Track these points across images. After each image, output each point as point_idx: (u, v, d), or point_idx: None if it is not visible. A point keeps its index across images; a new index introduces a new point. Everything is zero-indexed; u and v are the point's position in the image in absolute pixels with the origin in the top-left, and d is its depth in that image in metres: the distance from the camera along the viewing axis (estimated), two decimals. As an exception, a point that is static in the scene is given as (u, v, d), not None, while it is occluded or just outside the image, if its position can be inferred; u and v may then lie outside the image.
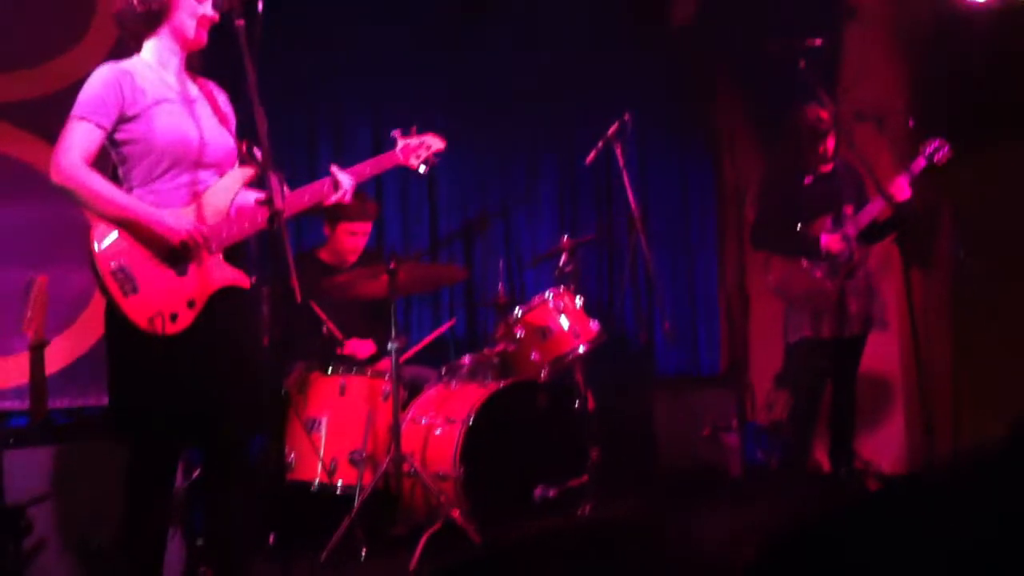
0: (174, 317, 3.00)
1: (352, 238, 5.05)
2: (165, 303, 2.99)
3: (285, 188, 3.21)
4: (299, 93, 5.61)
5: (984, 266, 4.38)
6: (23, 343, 4.01)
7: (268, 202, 2.98)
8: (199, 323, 3.05)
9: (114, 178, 3.13)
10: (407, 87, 5.94)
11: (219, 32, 3.23)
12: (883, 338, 5.35)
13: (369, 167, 3.57)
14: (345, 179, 3.38)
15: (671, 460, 5.68)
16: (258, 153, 3.15)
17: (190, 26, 3.14)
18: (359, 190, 5.23)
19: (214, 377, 3.08)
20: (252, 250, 5.19)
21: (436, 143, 3.79)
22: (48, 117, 4.68)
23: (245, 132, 3.57)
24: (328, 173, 3.40)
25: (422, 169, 3.74)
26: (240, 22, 3.02)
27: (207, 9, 3.15)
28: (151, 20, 3.14)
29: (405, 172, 5.67)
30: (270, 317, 4.20)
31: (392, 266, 4.40)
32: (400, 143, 3.72)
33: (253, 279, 3.25)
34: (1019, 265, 5.57)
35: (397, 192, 5.88)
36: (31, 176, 4.75)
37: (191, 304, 3.04)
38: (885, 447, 5.94)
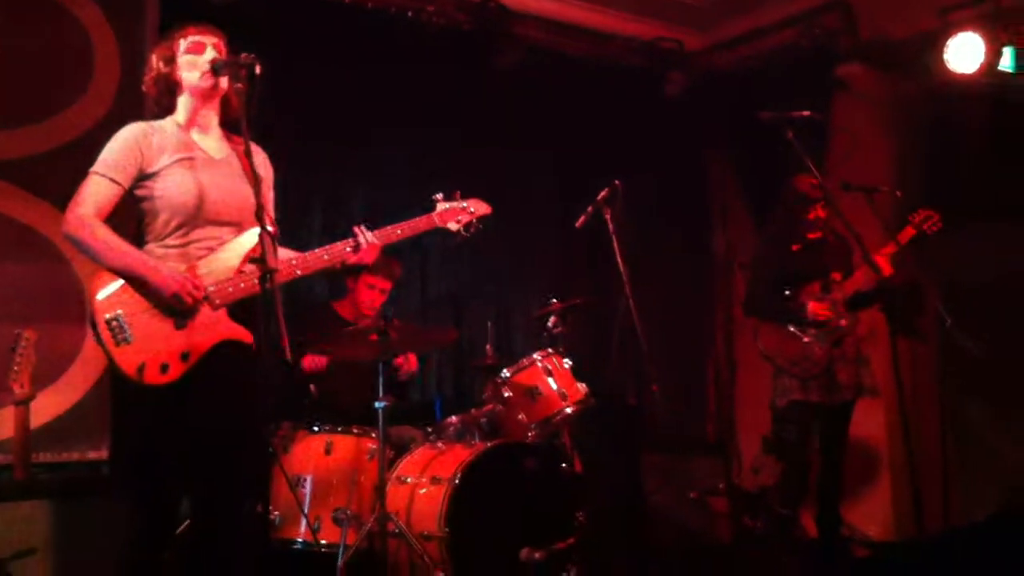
0: (164, 368, 3.01)
1: (370, 292, 5.10)
2: (156, 353, 3.01)
3: (278, 247, 3.25)
4: (293, 153, 5.66)
5: (971, 338, 4.42)
6: (8, 397, 4.02)
7: (260, 260, 3.01)
8: (193, 376, 3.06)
9: (137, 232, 3.20)
10: (404, 154, 6.02)
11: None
12: (871, 406, 5.36)
13: (401, 229, 3.56)
14: (365, 241, 3.40)
15: (659, 524, 5.65)
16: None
17: (196, 79, 3.25)
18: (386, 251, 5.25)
19: (206, 430, 3.08)
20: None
21: (481, 208, 3.82)
22: (46, 176, 4.77)
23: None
24: (348, 233, 3.44)
25: (463, 233, 3.75)
26: (239, 85, 3.09)
27: (203, 64, 3.24)
28: (169, 92, 3.30)
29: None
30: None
31: (383, 326, 4.41)
32: (440, 206, 3.72)
33: None
34: (1005, 337, 5.61)
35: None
36: (27, 235, 4.79)
37: (184, 356, 3.05)
38: (872, 514, 5.92)
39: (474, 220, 3.78)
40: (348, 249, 3.40)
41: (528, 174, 6.52)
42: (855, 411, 5.12)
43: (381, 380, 4.40)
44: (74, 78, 5.00)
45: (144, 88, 3.33)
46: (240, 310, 3.20)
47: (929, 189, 5.63)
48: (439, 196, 3.75)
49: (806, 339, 4.97)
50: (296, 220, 5.61)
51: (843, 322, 4.96)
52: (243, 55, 3.12)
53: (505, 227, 6.35)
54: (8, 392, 3.96)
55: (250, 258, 3.16)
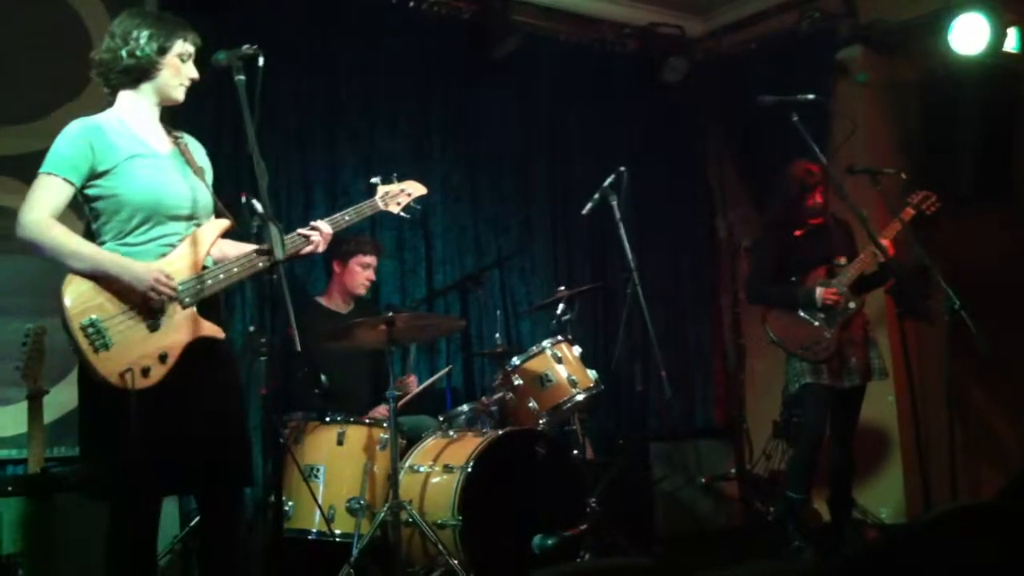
0: (146, 371, 2.94)
1: (365, 270, 5.22)
2: (137, 358, 2.94)
3: (234, 241, 3.25)
4: (297, 147, 5.66)
5: (976, 323, 4.40)
6: (21, 393, 4.02)
7: (268, 252, 3.00)
8: (173, 376, 3.00)
9: (88, 234, 3.11)
10: (404, 142, 6.02)
11: (222, 86, 3.29)
12: (880, 388, 5.36)
13: (348, 215, 3.57)
14: (315, 233, 3.37)
15: (669, 509, 5.66)
16: (257, 205, 3.17)
17: (173, 86, 3.20)
18: (357, 230, 5.27)
19: (190, 430, 3.02)
20: (247, 299, 5.22)
21: (417, 189, 3.86)
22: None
23: (244, 185, 3.61)
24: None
25: (403, 214, 3.81)
26: (240, 77, 3.05)
27: (192, 72, 3.20)
28: (136, 75, 3.17)
29: (401, 225, 5.80)
30: (268, 367, 4.20)
31: (390, 315, 4.43)
32: (380, 190, 3.77)
33: (252, 328, 3.22)
34: (1011, 319, 5.61)
35: (393, 246, 5.90)
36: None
37: (163, 358, 2.99)
38: (884, 496, 5.93)
39: (411, 201, 3.83)
40: (301, 239, 3.37)
41: (529, 161, 6.52)
42: (865, 394, 5.13)
43: (391, 369, 4.43)
44: (75, 71, 4.98)
45: (104, 55, 3.15)
46: (206, 306, 3.14)
47: (931, 171, 5.62)
48: (377, 180, 3.81)
49: (815, 323, 4.98)
50: (299, 212, 5.60)
51: (851, 304, 4.98)
52: (245, 46, 3.08)
53: (508, 215, 6.43)
54: (21, 387, 3.97)
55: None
